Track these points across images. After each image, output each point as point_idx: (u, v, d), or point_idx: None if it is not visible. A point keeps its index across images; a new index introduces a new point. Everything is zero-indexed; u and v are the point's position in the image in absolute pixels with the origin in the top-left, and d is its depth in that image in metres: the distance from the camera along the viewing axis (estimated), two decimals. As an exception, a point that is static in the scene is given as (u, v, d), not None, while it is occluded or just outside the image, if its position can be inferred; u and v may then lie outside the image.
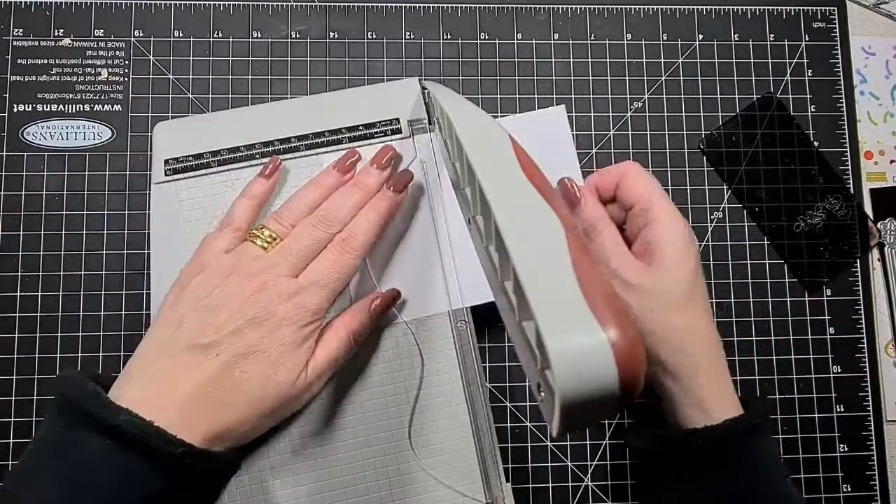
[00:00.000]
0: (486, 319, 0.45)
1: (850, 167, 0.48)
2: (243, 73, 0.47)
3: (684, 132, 0.48)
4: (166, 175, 0.40)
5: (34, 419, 0.43)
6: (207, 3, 0.48)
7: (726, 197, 0.48)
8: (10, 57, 0.46)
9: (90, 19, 0.47)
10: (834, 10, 0.50)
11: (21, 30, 0.46)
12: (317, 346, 0.36)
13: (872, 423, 0.46)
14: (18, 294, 0.44)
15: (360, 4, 0.48)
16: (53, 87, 0.46)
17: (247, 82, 0.47)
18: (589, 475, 0.45)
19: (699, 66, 0.49)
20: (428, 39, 0.48)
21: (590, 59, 0.48)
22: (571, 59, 0.48)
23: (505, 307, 0.28)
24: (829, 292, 0.47)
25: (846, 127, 0.49)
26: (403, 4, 0.48)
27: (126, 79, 0.47)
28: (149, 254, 0.45)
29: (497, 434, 0.41)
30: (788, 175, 0.48)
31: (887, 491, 0.46)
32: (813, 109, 0.49)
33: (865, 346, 0.47)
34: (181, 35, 0.47)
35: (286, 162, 0.41)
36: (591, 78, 0.48)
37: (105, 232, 0.45)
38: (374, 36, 0.48)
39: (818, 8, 0.50)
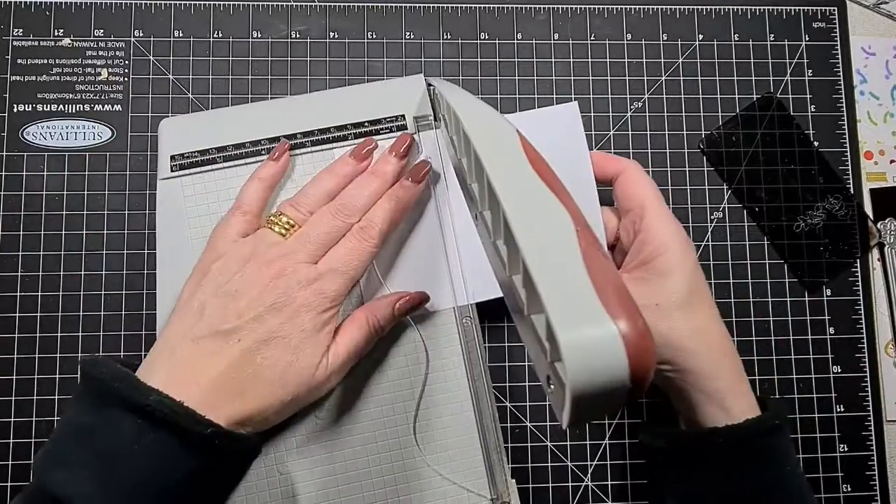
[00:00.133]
0: (486, 319, 0.45)
1: (850, 167, 0.48)
2: (243, 73, 0.47)
3: (684, 132, 0.48)
4: (172, 171, 0.40)
5: (34, 419, 0.43)
6: (207, 3, 0.48)
7: (726, 197, 0.48)
8: (10, 57, 0.46)
9: (90, 19, 0.47)
10: (834, 10, 0.50)
11: (21, 30, 0.46)
12: (338, 333, 0.36)
13: (872, 423, 0.46)
14: (18, 294, 0.44)
15: (360, 4, 0.48)
16: (53, 87, 0.46)
17: (247, 82, 0.47)
18: (589, 475, 0.45)
19: (699, 66, 0.49)
20: (428, 39, 0.48)
21: (590, 59, 0.48)
22: (571, 59, 0.48)
23: (513, 301, 0.28)
24: (829, 292, 0.47)
25: (846, 127, 0.49)
26: (403, 4, 0.48)
27: (126, 79, 0.47)
28: (149, 254, 0.45)
29: (497, 434, 0.42)
30: (788, 175, 0.48)
31: (887, 491, 0.46)
32: (813, 109, 0.49)
33: (865, 346, 0.47)
34: (181, 35, 0.47)
35: (292, 158, 0.41)
36: (591, 78, 0.48)
37: (105, 232, 0.45)
38: (374, 36, 0.48)
39: (818, 8, 0.50)
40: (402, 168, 0.39)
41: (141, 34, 0.47)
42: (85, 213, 0.45)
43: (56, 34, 0.47)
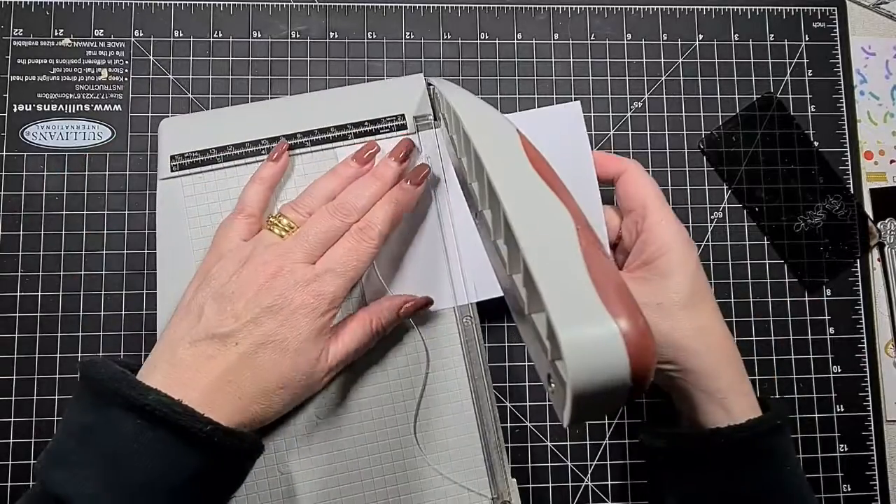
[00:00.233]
0: (486, 319, 0.45)
1: (850, 167, 0.48)
2: (243, 73, 0.47)
3: (684, 132, 0.48)
4: (172, 171, 0.40)
5: (34, 419, 0.43)
6: (207, 3, 0.48)
7: (726, 197, 0.48)
8: (10, 57, 0.46)
9: (90, 19, 0.47)
10: (834, 10, 0.50)
11: (21, 30, 0.46)
12: (339, 332, 0.36)
13: (872, 423, 0.46)
14: (18, 294, 0.44)
15: (360, 4, 0.48)
16: (53, 87, 0.46)
17: (247, 82, 0.47)
18: (589, 475, 0.45)
19: (699, 66, 0.49)
20: (428, 39, 0.48)
21: (590, 59, 0.48)
22: (571, 59, 0.48)
23: (514, 301, 0.28)
24: (829, 292, 0.47)
25: (846, 127, 0.49)
26: (403, 4, 0.48)
27: (126, 79, 0.47)
28: (149, 254, 0.45)
29: (497, 434, 0.42)
30: (788, 175, 0.48)
31: (887, 491, 0.46)
32: (813, 109, 0.49)
33: (865, 346, 0.47)
34: (181, 35, 0.47)
35: (291, 158, 0.41)
36: (591, 78, 0.48)
37: (105, 232, 0.45)
38: (374, 36, 0.48)
39: (818, 8, 0.50)
40: (402, 172, 0.39)
41: (141, 34, 0.47)
42: (85, 213, 0.45)
43: (56, 34, 0.47)
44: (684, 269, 0.35)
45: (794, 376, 0.47)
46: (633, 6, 0.49)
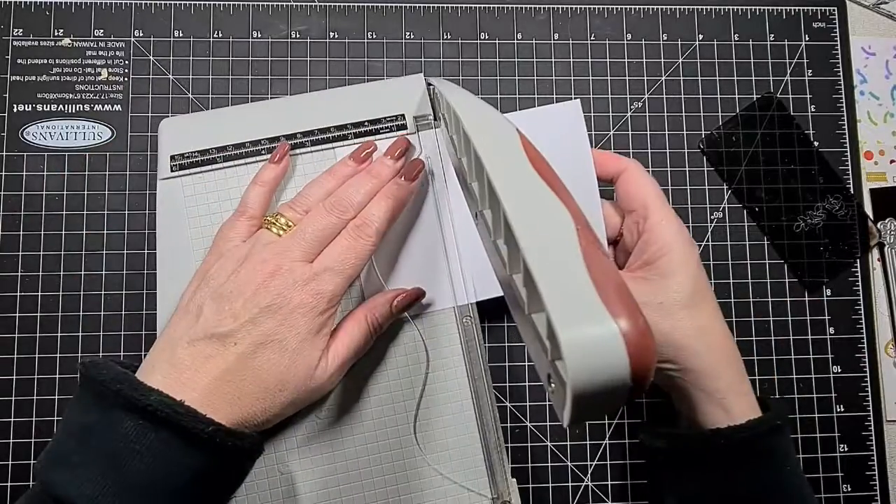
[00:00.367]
0: (486, 319, 0.45)
1: (850, 167, 0.48)
2: (243, 73, 0.47)
3: (684, 132, 0.48)
4: (172, 171, 0.40)
5: (34, 419, 0.43)
6: (207, 3, 0.48)
7: (726, 197, 0.48)
8: (10, 57, 0.46)
9: (90, 19, 0.47)
10: (834, 10, 0.50)
11: (21, 30, 0.46)
12: (337, 333, 0.36)
13: (872, 423, 0.46)
14: (18, 294, 0.44)
15: (360, 4, 0.48)
16: (53, 87, 0.46)
17: (247, 82, 0.47)
18: (589, 475, 0.45)
19: (699, 66, 0.49)
20: (428, 39, 0.48)
21: (590, 59, 0.48)
22: (571, 59, 0.48)
23: (514, 300, 0.28)
24: (829, 292, 0.47)
25: (846, 127, 0.49)
26: (403, 4, 0.48)
27: (126, 79, 0.47)
28: (149, 254, 0.45)
29: (497, 434, 0.42)
30: (788, 175, 0.48)
31: (887, 491, 0.46)
32: (813, 109, 0.49)
33: (865, 346, 0.47)
34: (181, 35, 0.47)
35: (292, 158, 0.41)
36: (591, 78, 0.48)
37: (105, 232, 0.45)
38: (374, 36, 0.48)
39: (818, 8, 0.50)
40: (398, 170, 0.39)
41: (141, 34, 0.47)
42: (85, 213, 0.45)
43: (56, 34, 0.47)
44: (685, 269, 0.35)
45: (794, 376, 0.47)
46: (633, 6, 0.49)
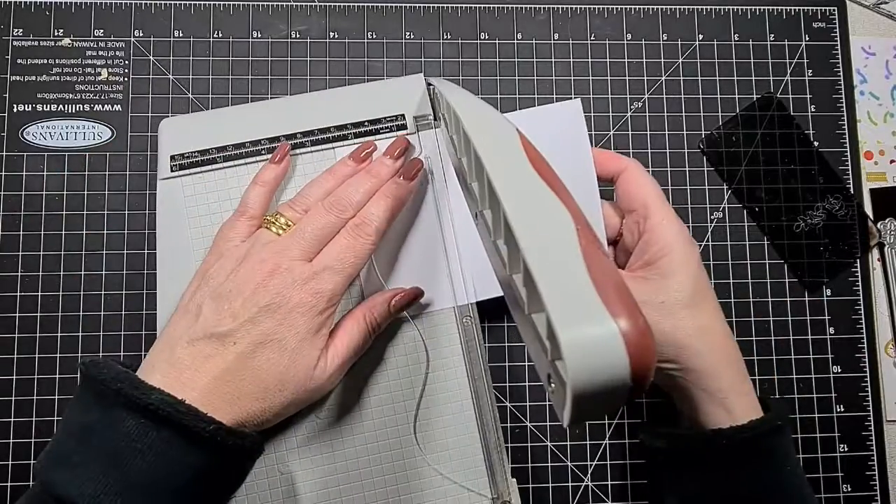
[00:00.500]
0: (486, 319, 0.45)
1: (850, 167, 0.48)
2: (243, 73, 0.47)
3: (684, 132, 0.48)
4: (172, 171, 0.41)
5: (34, 419, 0.43)
6: (207, 3, 0.48)
7: (726, 197, 0.48)
8: (10, 57, 0.46)
9: (90, 19, 0.47)
10: (834, 10, 0.50)
11: (21, 30, 0.46)
12: (336, 333, 0.36)
13: (872, 423, 0.46)
14: (18, 294, 0.44)
15: (360, 4, 0.48)
16: (53, 87, 0.46)
17: (247, 82, 0.47)
18: (589, 475, 0.45)
19: (699, 66, 0.49)
20: (428, 39, 0.48)
21: (590, 59, 0.48)
22: (571, 59, 0.48)
23: (513, 300, 0.28)
24: (829, 292, 0.47)
25: (846, 127, 0.49)
26: (403, 4, 0.48)
27: (126, 79, 0.47)
28: (149, 254, 0.45)
29: (497, 434, 0.42)
30: (788, 175, 0.48)
31: (887, 491, 0.46)
32: (813, 109, 0.49)
33: (865, 346, 0.47)
34: (181, 35, 0.47)
35: (292, 158, 0.41)
36: (591, 78, 0.48)
37: (105, 232, 0.45)
38: (374, 36, 0.48)
39: (818, 8, 0.50)
40: (397, 170, 0.39)
41: (141, 34, 0.47)
42: (85, 213, 0.45)
43: (56, 34, 0.47)
44: (686, 269, 0.35)
45: (794, 376, 0.47)
46: (633, 6, 0.49)
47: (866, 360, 0.47)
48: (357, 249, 0.36)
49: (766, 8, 0.50)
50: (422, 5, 0.48)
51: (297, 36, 0.48)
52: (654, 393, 0.45)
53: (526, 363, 0.46)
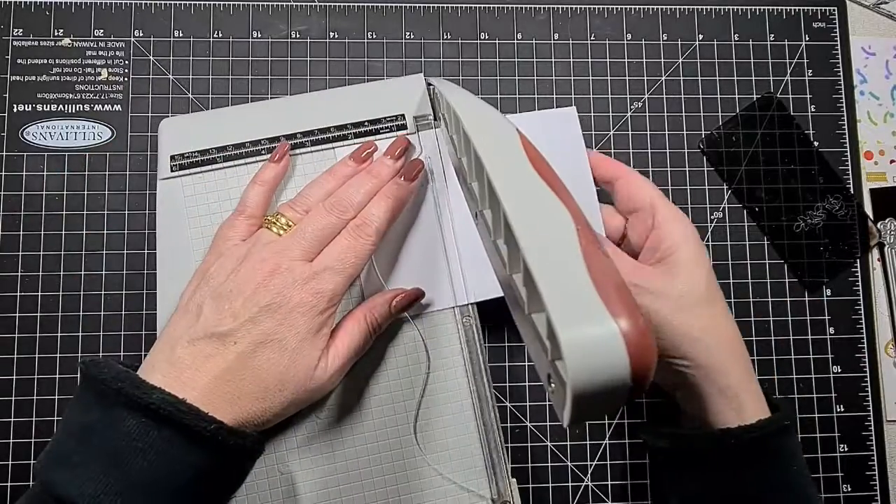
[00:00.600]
0: (486, 319, 0.45)
1: (850, 167, 0.48)
2: (243, 73, 0.47)
3: (684, 132, 0.48)
4: (172, 171, 0.41)
5: (34, 419, 0.43)
6: (207, 3, 0.48)
7: (726, 197, 0.48)
8: (10, 57, 0.46)
9: (90, 19, 0.47)
10: (834, 10, 0.50)
11: (21, 30, 0.46)
12: (337, 333, 0.36)
13: (872, 423, 0.46)
14: (18, 294, 0.44)
15: (360, 4, 0.48)
16: (53, 87, 0.46)
17: (247, 82, 0.47)
18: (589, 475, 0.45)
19: (699, 66, 0.49)
20: (428, 39, 0.48)
21: (590, 59, 0.48)
22: (571, 59, 0.48)
23: (513, 300, 0.28)
24: (829, 292, 0.47)
25: (846, 127, 0.49)
26: (403, 4, 0.48)
27: (126, 79, 0.47)
28: (149, 254, 0.45)
29: (497, 434, 0.42)
30: (788, 175, 0.48)
31: (887, 491, 0.46)
32: (813, 109, 0.49)
33: (865, 346, 0.47)
34: (181, 35, 0.47)
35: (292, 158, 0.41)
36: (591, 78, 0.48)
37: (105, 232, 0.45)
38: (374, 36, 0.48)
39: (818, 8, 0.50)
40: (398, 170, 0.39)
41: (141, 34, 0.47)
42: (85, 213, 0.45)
43: (56, 34, 0.47)
44: (700, 265, 0.35)
45: (794, 376, 0.47)
46: (633, 6, 0.49)
47: (866, 360, 0.47)
48: (358, 250, 0.36)
49: (766, 8, 0.50)
50: (422, 5, 0.48)
51: (297, 36, 0.48)
52: (654, 393, 0.45)
53: (526, 363, 0.46)
